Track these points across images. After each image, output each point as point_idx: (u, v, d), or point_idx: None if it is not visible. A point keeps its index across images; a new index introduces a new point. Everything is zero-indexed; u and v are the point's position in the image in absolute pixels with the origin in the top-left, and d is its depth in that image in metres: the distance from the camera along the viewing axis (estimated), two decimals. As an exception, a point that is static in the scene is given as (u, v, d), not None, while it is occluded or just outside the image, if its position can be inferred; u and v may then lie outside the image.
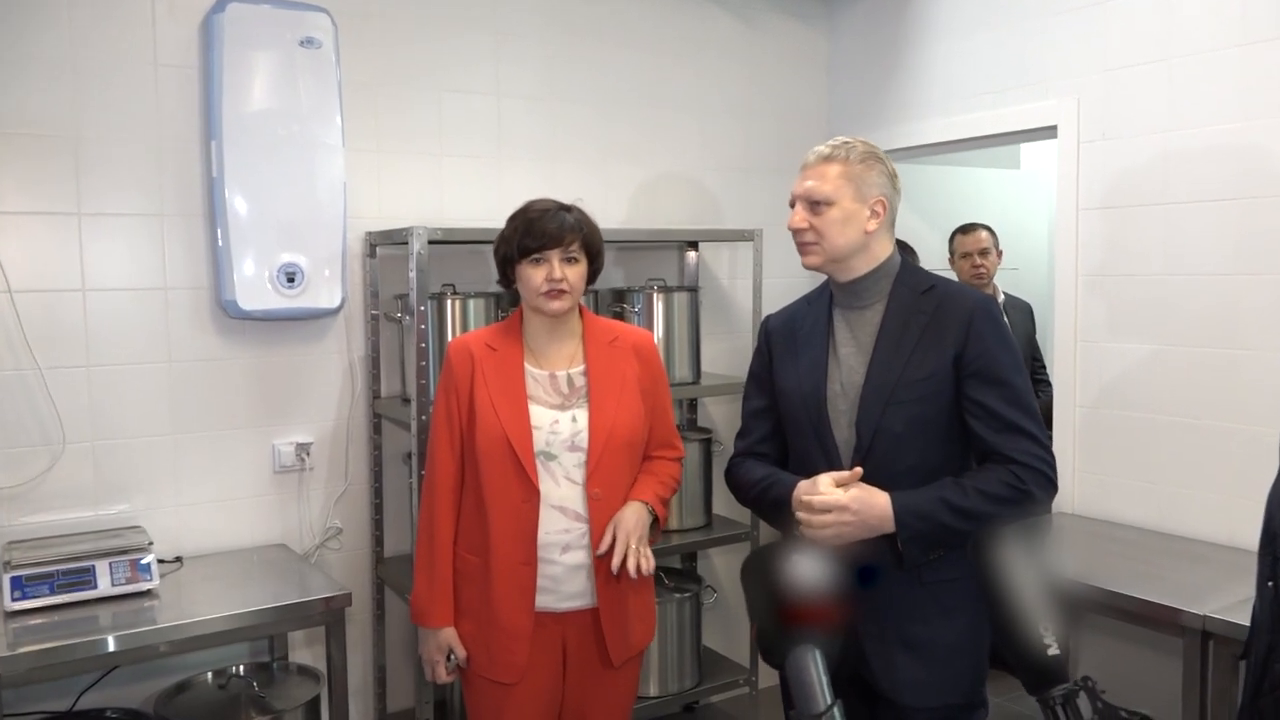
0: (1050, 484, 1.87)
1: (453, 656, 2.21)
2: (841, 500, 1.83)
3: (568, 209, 2.22)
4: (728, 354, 3.78)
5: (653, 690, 3.26)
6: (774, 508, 1.99)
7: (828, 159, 1.95)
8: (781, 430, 2.10)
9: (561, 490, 2.17)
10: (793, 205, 2.00)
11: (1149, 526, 2.97)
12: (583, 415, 2.19)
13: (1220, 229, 2.79)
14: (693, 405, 3.72)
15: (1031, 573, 1.20)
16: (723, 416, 3.80)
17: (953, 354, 1.88)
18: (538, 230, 2.15)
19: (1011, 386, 1.87)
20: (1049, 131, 3.23)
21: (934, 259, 4.06)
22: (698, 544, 3.43)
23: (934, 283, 1.98)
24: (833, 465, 1.93)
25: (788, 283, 3.92)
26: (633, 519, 2.17)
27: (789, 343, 2.08)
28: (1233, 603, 2.29)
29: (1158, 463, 2.96)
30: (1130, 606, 2.41)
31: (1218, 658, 2.29)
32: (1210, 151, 2.80)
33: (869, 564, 1.84)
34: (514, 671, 2.17)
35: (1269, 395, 2.67)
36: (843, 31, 3.96)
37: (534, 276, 2.16)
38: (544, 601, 2.17)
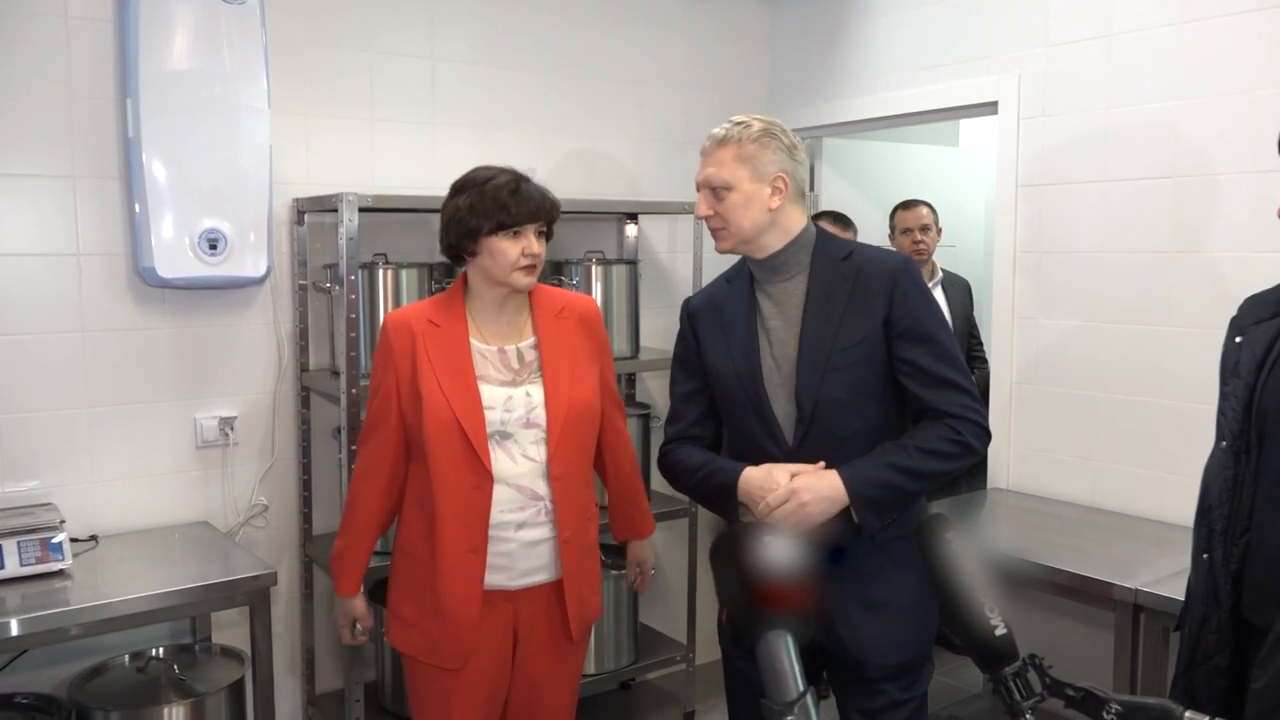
0: (985, 433, 1.91)
1: (357, 625, 2.27)
2: (792, 487, 1.83)
3: (529, 179, 2.15)
4: (666, 328, 3.74)
5: (590, 668, 3.23)
6: (717, 495, 1.98)
7: (721, 142, 1.94)
8: (713, 412, 2.08)
9: (518, 468, 2.10)
10: (700, 193, 1.99)
11: (1082, 502, 3.01)
12: (537, 391, 2.13)
13: (1156, 207, 2.82)
14: (631, 380, 3.68)
15: (972, 556, 1.21)
16: (661, 391, 3.76)
17: (881, 315, 1.90)
18: (518, 203, 2.07)
19: (938, 342, 1.91)
20: (990, 107, 3.23)
21: (874, 234, 4.06)
22: (635, 520, 3.39)
23: (851, 249, 1.99)
24: (775, 439, 1.93)
25: (728, 257, 3.89)
26: (649, 556, 2.54)
27: (714, 322, 2.06)
28: (1163, 576, 2.33)
29: (1091, 439, 3.00)
30: (1063, 580, 2.44)
31: (1148, 630, 2.33)
32: (1148, 129, 2.82)
33: (838, 544, 1.85)
34: (457, 659, 2.11)
35: (1200, 372, 2.71)
36: (784, 4, 3.92)
37: (509, 251, 2.08)
38: (496, 580, 2.11)
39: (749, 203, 1.92)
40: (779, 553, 1.18)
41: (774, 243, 1.96)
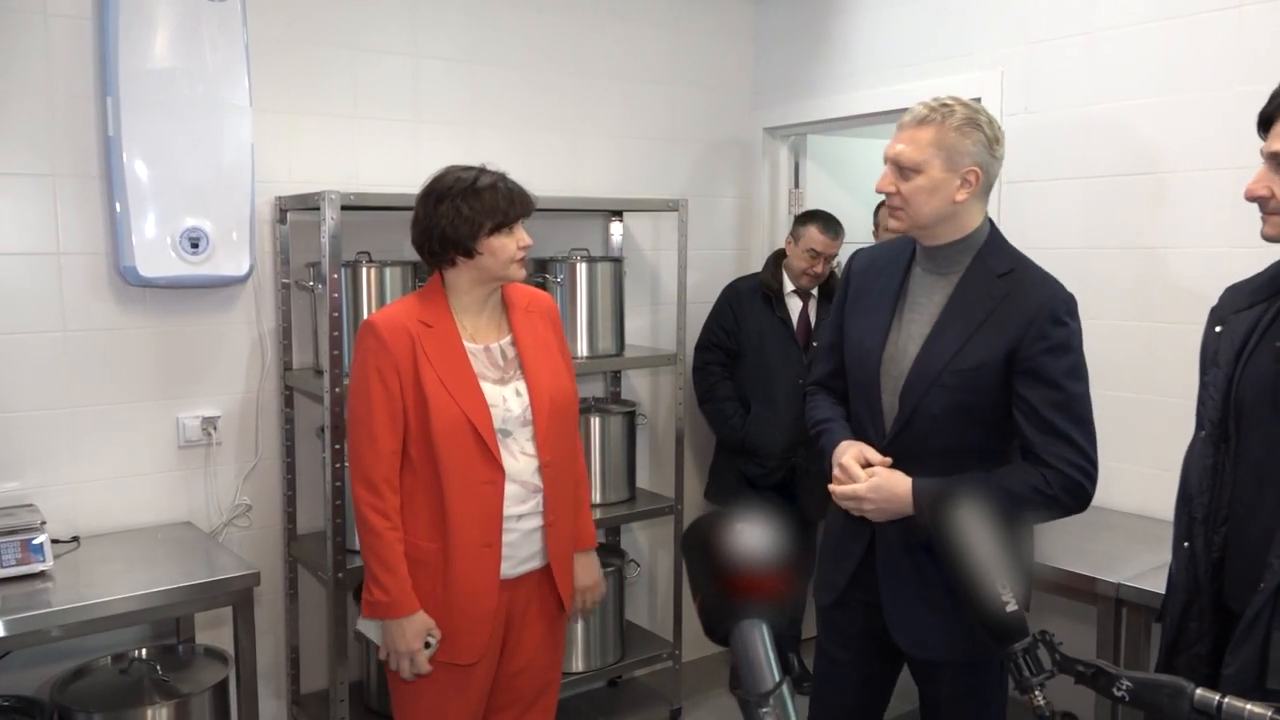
0: (1083, 492, 1.86)
1: (432, 641, 2.11)
2: (859, 491, 1.87)
3: (505, 175, 2.20)
4: (651, 326, 3.74)
5: (577, 665, 3.23)
6: (822, 454, 2.05)
7: (923, 122, 1.85)
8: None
9: (519, 464, 2.16)
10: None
11: (1065, 496, 3.02)
12: (524, 387, 2.19)
13: (1137, 203, 2.83)
14: (616, 378, 3.67)
15: (985, 532, 1.21)
16: (646, 389, 3.76)
17: (1007, 349, 1.84)
18: (510, 200, 2.14)
19: (1062, 390, 1.85)
20: (972, 104, 3.24)
21: (858, 231, 4.07)
22: (621, 518, 3.39)
23: (1014, 266, 1.91)
24: (875, 426, 1.96)
25: (713, 254, 3.89)
26: (594, 578, 2.38)
27: (864, 289, 2.05)
28: (1145, 570, 2.34)
29: (1074, 433, 3.00)
30: (1047, 575, 2.45)
31: (1130, 624, 2.34)
32: (1129, 125, 2.83)
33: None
34: (475, 652, 2.14)
35: (1181, 367, 2.71)
36: (769, 1, 3.92)
37: (508, 246, 2.14)
38: (502, 569, 2.15)
39: (935, 191, 1.85)
40: (752, 540, 1.17)
41: (946, 235, 1.91)
